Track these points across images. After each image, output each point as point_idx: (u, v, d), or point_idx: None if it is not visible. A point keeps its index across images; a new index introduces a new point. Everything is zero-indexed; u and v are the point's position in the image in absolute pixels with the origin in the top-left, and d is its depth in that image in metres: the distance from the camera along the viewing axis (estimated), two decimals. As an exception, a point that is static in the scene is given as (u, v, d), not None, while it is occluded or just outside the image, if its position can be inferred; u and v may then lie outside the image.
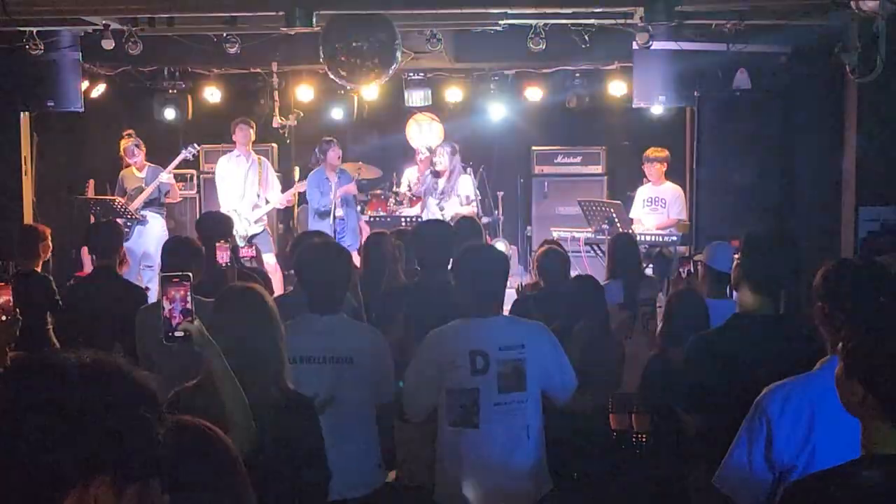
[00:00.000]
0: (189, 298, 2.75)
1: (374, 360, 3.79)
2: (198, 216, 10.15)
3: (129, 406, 1.40)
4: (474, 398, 3.64)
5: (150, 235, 9.10)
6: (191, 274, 2.83)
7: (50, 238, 6.14)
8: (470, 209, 8.80)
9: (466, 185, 9.01)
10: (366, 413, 3.75)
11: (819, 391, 2.60)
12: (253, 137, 9.28)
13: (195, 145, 9.46)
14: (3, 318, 2.98)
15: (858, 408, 2.06)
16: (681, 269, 5.90)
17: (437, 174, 9.01)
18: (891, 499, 1.96)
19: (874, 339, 2.04)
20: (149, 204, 9.19)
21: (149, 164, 9.31)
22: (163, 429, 1.44)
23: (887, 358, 2.01)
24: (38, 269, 6.00)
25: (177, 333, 2.76)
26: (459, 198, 8.93)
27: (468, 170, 9.88)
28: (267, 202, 9.23)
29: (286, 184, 9.94)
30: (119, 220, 8.78)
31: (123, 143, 9.29)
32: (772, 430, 2.61)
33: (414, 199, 9.53)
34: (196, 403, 2.83)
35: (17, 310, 3.04)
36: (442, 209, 8.86)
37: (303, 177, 9.73)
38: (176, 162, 9.28)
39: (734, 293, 5.46)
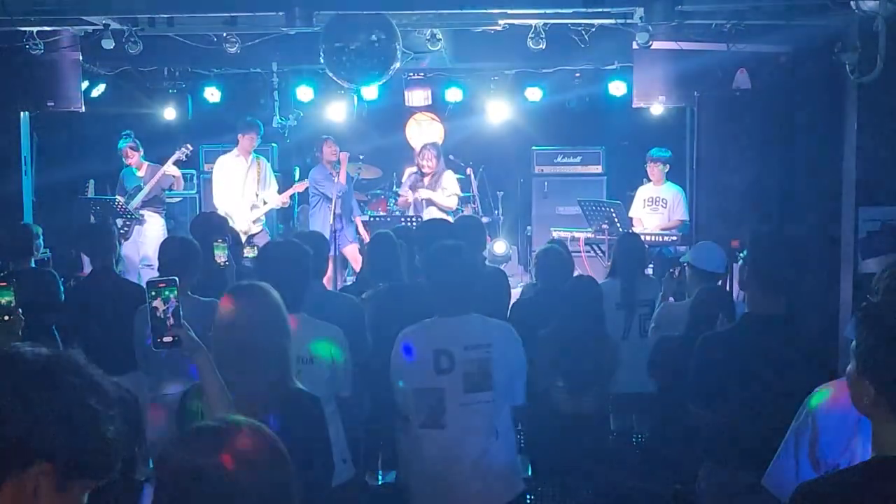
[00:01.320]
0: (177, 303, 2.74)
1: (334, 357, 3.77)
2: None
3: (75, 395, 1.43)
4: (440, 398, 3.64)
5: (149, 234, 9.11)
6: (177, 278, 2.82)
7: (41, 237, 6.16)
8: (453, 201, 8.96)
9: (451, 180, 9.10)
10: (329, 410, 3.71)
11: None
12: (258, 142, 9.32)
13: (188, 145, 9.45)
14: (6, 317, 2.98)
15: (869, 408, 2.05)
16: (672, 270, 5.90)
17: (422, 174, 9.13)
18: None
19: (887, 341, 2.02)
20: (148, 203, 9.19)
21: (147, 163, 9.32)
22: (112, 426, 1.46)
23: None
24: (33, 266, 6.02)
25: (165, 339, 2.75)
26: (445, 190, 9.04)
27: (468, 170, 9.92)
28: (265, 203, 9.25)
29: (286, 183, 9.93)
30: (119, 221, 8.82)
31: (121, 143, 9.31)
32: (817, 428, 2.65)
33: (404, 198, 9.56)
34: (199, 403, 2.84)
35: (20, 309, 3.03)
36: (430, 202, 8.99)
37: (303, 176, 9.74)
38: (170, 162, 9.27)
39: (738, 294, 5.46)
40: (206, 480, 1.58)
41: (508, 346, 3.77)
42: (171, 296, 2.74)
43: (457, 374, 3.64)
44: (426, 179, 9.12)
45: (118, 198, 9.18)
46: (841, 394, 2.62)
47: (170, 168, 9.18)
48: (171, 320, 2.74)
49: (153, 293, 2.74)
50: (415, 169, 9.74)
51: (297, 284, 3.80)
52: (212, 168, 9.78)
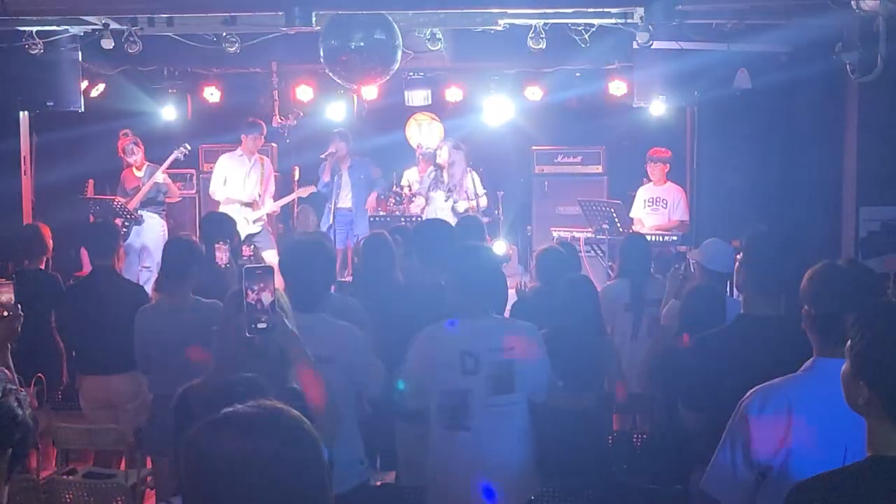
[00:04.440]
0: (272, 291, 2.76)
1: (354, 358, 3.71)
2: (198, 216, 10.17)
3: None
4: (465, 399, 3.64)
5: (148, 236, 9.11)
6: (273, 267, 2.85)
7: (50, 237, 6.15)
8: (483, 200, 9.09)
9: (476, 181, 9.16)
10: (347, 411, 3.66)
11: (798, 392, 2.64)
12: (262, 143, 9.33)
13: (186, 145, 9.44)
14: (5, 314, 2.99)
15: (864, 408, 2.05)
16: (676, 266, 5.88)
17: (440, 167, 9.12)
18: (893, 501, 1.95)
19: (882, 341, 2.02)
20: (146, 203, 9.18)
21: (148, 163, 9.32)
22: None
23: (894, 360, 2.00)
24: (42, 268, 6.03)
25: (259, 325, 2.76)
26: (468, 193, 9.05)
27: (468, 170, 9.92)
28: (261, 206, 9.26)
29: (286, 183, 9.93)
30: (118, 221, 8.81)
31: (121, 143, 9.29)
32: (750, 431, 2.64)
33: (415, 197, 9.53)
34: (202, 401, 2.83)
35: (20, 306, 3.04)
36: (455, 202, 8.96)
37: (302, 176, 9.74)
38: (168, 162, 9.27)
39: (734, 292, 5.46)
40: (236, 466, 1.52)
41: (531, 347, 3.76)
42: (267, 283, 2.75)
43: (482, 375, 3.63)
44: (445, 174, 9.13)
45: (118, 198, 9.18)
46: (772, 395, 2.66)
47: (159, 177, 9.16)
48: (266, 308, 2.75)
49: (248, 280, 2.75)
50: (414, 171, 9.76)
51: (318, 283, 3.77)
52: (212, 168, 9.77)
